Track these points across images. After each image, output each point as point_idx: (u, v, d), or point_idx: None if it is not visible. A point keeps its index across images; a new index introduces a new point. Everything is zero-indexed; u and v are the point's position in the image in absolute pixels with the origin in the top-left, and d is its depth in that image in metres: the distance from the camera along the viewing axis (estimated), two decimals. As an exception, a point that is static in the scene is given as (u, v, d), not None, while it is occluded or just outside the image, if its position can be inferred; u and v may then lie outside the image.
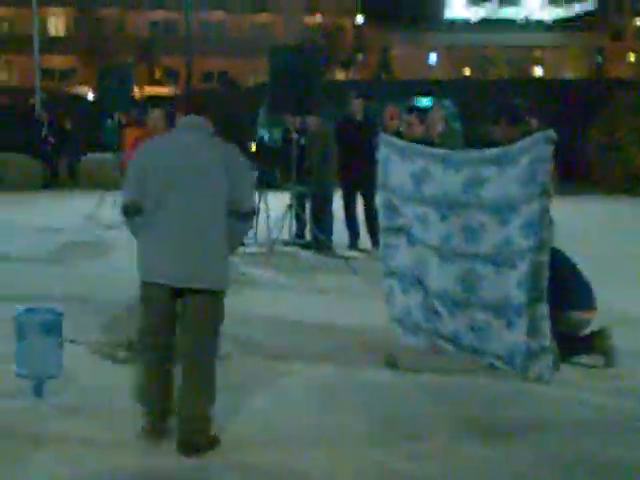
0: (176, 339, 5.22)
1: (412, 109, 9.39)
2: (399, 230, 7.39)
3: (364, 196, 12.19)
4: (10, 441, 5.18)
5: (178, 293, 5.12)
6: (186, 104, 5.40)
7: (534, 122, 7.34)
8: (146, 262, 5.22)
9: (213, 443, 5.09)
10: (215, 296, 5.16)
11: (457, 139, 12.13)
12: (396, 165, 7.37)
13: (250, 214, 5.33)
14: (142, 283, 5.26)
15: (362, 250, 12.11)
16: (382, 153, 7.57)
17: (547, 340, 6.29)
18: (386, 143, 7.60)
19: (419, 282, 7.19)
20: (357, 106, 12.48)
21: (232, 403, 5.79)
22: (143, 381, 5.30)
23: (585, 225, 14.49)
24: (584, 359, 6.80)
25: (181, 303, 5.15)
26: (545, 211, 6.29)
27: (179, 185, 5.03)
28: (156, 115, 10.20)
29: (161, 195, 5.04)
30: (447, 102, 23.87)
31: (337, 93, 19.17)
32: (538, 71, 71.60)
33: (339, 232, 12.43)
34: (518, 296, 6.33)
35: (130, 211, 5.18)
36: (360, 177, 11.77)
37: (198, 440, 5.01)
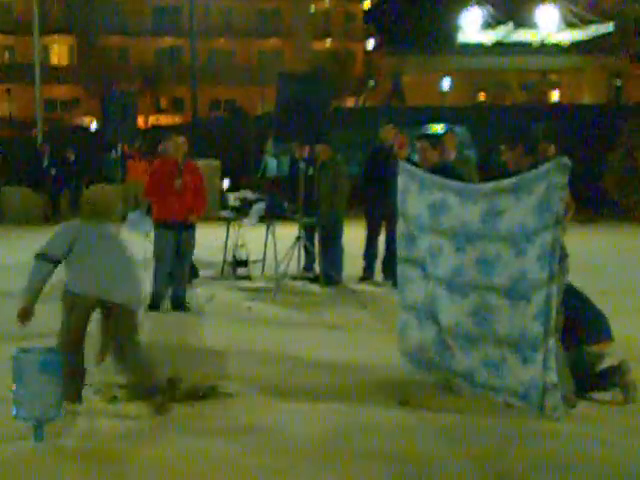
0: None
1: (421, 136, 9.41)
2: (416, 262, 7.40)
3: (389, 227, 11.97)
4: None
5: None
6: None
7: (551, 149, 7.35)
8: None
9: None
10: None
11: (471, 167, 12.14)
12: (414, 195, 7.41)
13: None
14: None
15: (375, 283, 12.10)
16: (402, 182, 7.61)
17: (556, 376, 6.27)
18: (406, 172, 7.64)
19: (432, 317, 7.18)
20: (388, 132, 12.45)
21: (244, 442, 5.80)
22: None
23: (602, 254, 14.47)
24: (602, 395, 6.77)
25: None
26: (557, 242, 6.30)
27: None
28: (179, 141, 10.39)
29: None
30: (459, 129, 24.01)
31: (346, 120, 19.30)
32: (555, 95, 71.69)
33: (348, 265, 12.44)
34: (534, 330, 6.32)
35: None
36: (388, 207, 11.68)
37: None
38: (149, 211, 11.75)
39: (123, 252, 6.74)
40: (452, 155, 11.37)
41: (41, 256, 6.54)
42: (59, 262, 6.56)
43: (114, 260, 6.62)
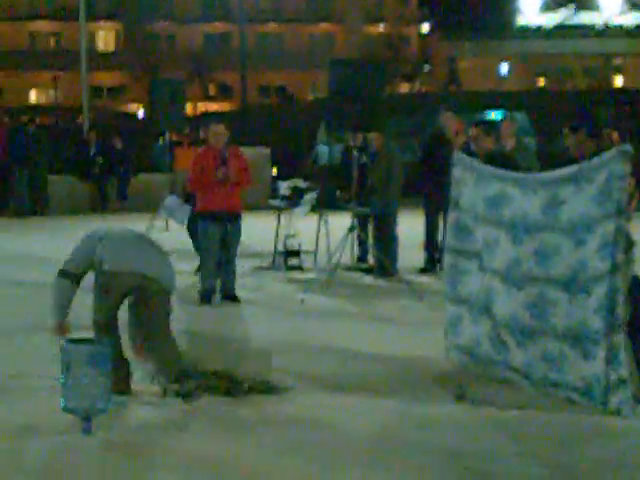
0: None
1: (477, 123, 9.37)
2: (472, 254, 7.37)
3: (446, 217, 12.04)
4: None
5: None
6: None
7: (615, 135, 7.28)
8: None
9: None
10: None
11: (530, 155, 12.04)
12: (470, 187, 7.40)
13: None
14: None
15: (436, 275, 12.06)
16: (457, 173, 7.61)
17: (626, 371, 6.21)
18: (462, 163, 7.63)
19: (487, 311, 7.15)
20: (448, 120, 12.41)
21: (295, 438, 5.83)
22: None
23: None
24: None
25: None
26: (621, 231, 6.24)
27: None
28: (218, 129, 10.40)
29: None
30: (519, 115, 23.82)
31: (400, 107, 19.22)
32: (618, 80, 70.94)
33: (403, 256, 12.42)
34: (595, 323, 6.27)
35: None
36: (446, 196, 11.67)
37: None
38: (188, 200, 11.80)
39: (152, 241, 7.12)
40: (511, 143, 11.28)
41: (62, 273, 6.69)
42: (80, 278, 6.74)
43: (147, 245, 6.94)
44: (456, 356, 7.62)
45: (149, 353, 6.81)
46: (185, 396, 6.57)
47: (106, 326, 6.68)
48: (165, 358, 6.78)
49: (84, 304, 9.82)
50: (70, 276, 6.66)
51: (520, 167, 8.65)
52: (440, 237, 12.25)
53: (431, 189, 12.27)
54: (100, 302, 6.75)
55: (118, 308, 6.79)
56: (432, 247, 12.52)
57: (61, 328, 6.61)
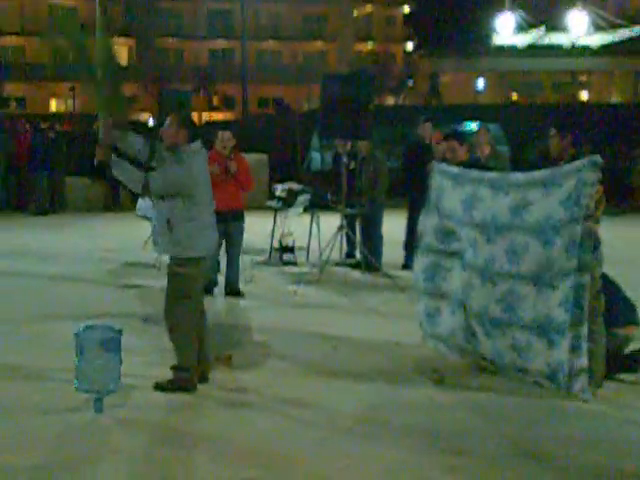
0: None
1: (451, 135, 9.34)
2: (454, 254, 7.36)
3: None
4: (69, 454, 5.24)
5: None
6: None
7: (587, 148, 7.30)
8: None
9: None
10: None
11: (503, 162, 12.04)
12: (449, 192, 7.40)
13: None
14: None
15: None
16: (435, 180, 7.61)
17: (586, 359, 6.23)
18: (440, 171, 7.63)
19: (464, 305, 7.16)
20: (426, 129, 12.42)
21: (288, 417, 5.83)
22: None
23: (628, 247, 14.32)
24: (629, 376, 6.72)
25: None
26: (588, 234, 6.25)
27: None
28: (225, 135, 10.37)
29: None
30: (494, 127, 23.79)
31: (386, 117, 19.18)
32: (584, 95, 71.06)
33: (387, 252, 12.43)
34: (560, 316, 6.28)
35: None
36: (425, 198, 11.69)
37: None
38: None
39: None
40: (487, 151, 11.27)
41: None
42: None
43: None
44: (433, 344, 7.63)
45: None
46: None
47: (198, 311, 6.75)
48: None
49: (95, 295, 9.84)
50: None
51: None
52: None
53: (412, 193, 12.26)
54: (191, 287, 6.71)
55: None
56: (411, 245, 12.49)
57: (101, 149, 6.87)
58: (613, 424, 5.84)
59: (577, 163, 6.41)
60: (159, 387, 6.43)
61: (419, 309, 7.78)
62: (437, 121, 13.33)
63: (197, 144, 6.57)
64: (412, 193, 12.26)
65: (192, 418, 5.94)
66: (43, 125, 23.10)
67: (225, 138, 10.37)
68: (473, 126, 23.58)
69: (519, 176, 6.88)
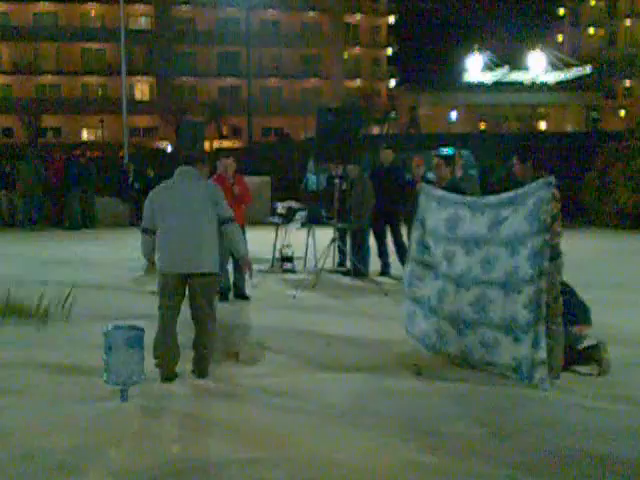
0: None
1: (439, 156, 9.40)
2: (428, 266, 7.38)
3: (393, 230, 12.23)
4: (99, 438, 5.24)
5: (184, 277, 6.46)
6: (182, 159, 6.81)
7: (543, 172, 7.32)
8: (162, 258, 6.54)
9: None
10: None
11: (473, 183, 12.12)
12: (432, 211, 7.41)
13: (229, 219, 6.58)
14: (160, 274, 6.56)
15: (393, 277, 12.07)
16: (422, 200, 7.62)
17: (545, 354, 6.24)
18: (426, 193, 7.64)
19: (438, 310, 7.15)
20: (386, 155, 12.54)
21: (286, 405, 5.82)
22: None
23: (582, 256, 14.34)
24: (582, 369, 6.73)
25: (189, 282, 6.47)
26: (546, 244, 6.27)
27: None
28: (227, 162, 10.41)
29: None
30: (465, 152, 23.81)
31: (372, 145, 19.18)
32: (543, 125, 71.25)
33: (373, 262, 12.44)
34: (524, 316, 6.30)
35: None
36: (389, 214, 11.81)
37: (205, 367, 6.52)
38: None
39: None
40: (459, 173, 11.31)
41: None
42: None
43: None
44: (413, 342, 7.64)
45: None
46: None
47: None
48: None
49: (121, 299, 9.84)
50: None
51: (466, 192, 8.68)
52: (391, 245, 12.32)
53: (376, 210, 12.31)
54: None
55: None
56: (383, 253, 12.52)
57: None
58: (568, 409, 5.85)
59: (535, 184, 6.44)
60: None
61: (404, 310, 7.79)
62: (416, 147, 13.38)
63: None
64: (376, 211, 12.29)
65: (205, 406, 5.94)
66: (76, 152, 23.20)
67: (227, 164, 10.41)
68: (446, 151, 23.63)
69: (491, 198, 6.91)
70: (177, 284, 6.48)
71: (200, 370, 6.55)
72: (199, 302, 6.50)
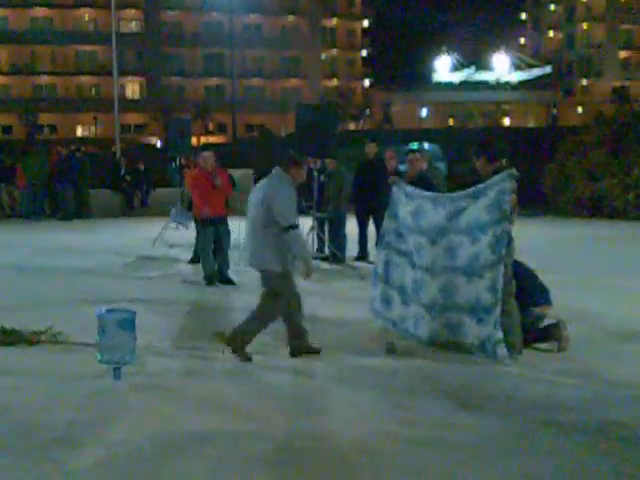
0: None
1: (413, 150, 9.37)
2: (404, 253, 7.33)
3: (375, 220, 12.14)
4: (94, 413, 5.22)
5: None
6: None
7: (504, 161, 7.31)
8: None
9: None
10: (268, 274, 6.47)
11: (439, 176, 12.13)
12: (403, 204, 7.40)
13: (288, 228, 6.30)
14: None
15: (369, 262, 12.08)
16: (395, 193, 7.59)
17: (501, 332, 6.28)
18: (399, 186, 7.61)
19: (416, 298, 7.11)
20: (370, 149, 12.46)
21: (272, 381, 5.83)
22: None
23: (542, 242, 14.43)
24: (543, 345, 6.77)
25: None
26: (506, 232, 6.30)
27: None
28: (206, 155, 10.36)
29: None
30: (434, 146, 23.85)
31: (348, 140, 19.15)
32: (507, 121, 71.51)
33: (350, 248, 12.44)
34: (487, 299, 6.33)
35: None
36: (373, 205, 11.74)
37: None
38: (190, 208, 11.71)
39: None
40: (425, 166, 11.29)
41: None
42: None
43: None
44: (382, 323, 7.60)
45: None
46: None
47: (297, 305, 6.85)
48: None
49: (113, 283, 9.78)
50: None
51: (433, 184, 8.71)
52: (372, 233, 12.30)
53: (360, 199, 12.31)
54: (290, 290, 6.82)
55: None
56: (363, 241, 12.52)
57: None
58: (530, 383, 5.88)
59: (498, 176, 6.44)
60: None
61: (375, 293, 7.74)
62: (389, 142, 13.38)
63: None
64: (359, 200, 12.29)
65: (194, 384, 5.91)
66: (71, 147, 23.11)
67: (205, 157, 10.33)
68: (422, 146, 23.67)
69: (453, 194, 6.90)
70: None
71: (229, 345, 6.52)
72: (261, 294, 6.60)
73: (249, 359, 6.39)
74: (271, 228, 6.33)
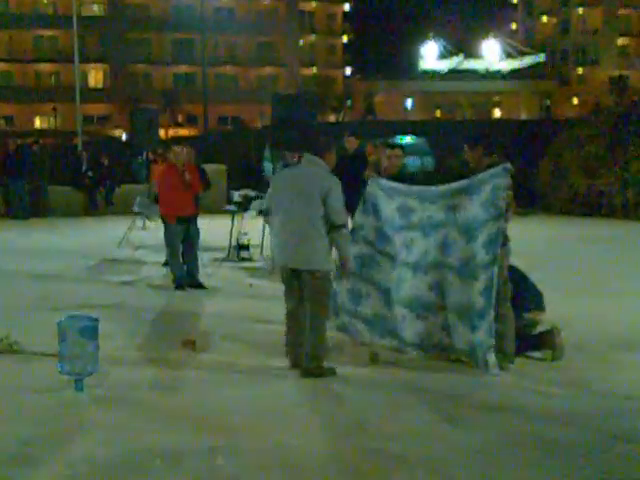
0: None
1: (393, 145, 9.31)
2: (388, 255, 7.29)
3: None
4: (53, 427, 5.18)
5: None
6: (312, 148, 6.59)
7: (496, 156, 7.33)
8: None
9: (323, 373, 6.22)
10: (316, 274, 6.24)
11: (419, 171, 12.15)
12: (384, 201, 7.34)
13: (339, 226, 6.28)
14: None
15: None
16: (371, 187, 7.53)
17: (493, 339, 6.30)
18: (376, 183, 7.56)
19: (394, 298, 7.09)
20: (349, 142, 12.48)
21: (245, 389, 5.82)
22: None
23: (536, 242, 14.51)
24: (536, 354, 6.80)
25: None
26: (501, 231, 6.32)
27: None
28: (178, 150, 10.32)
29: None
30: (421, 139, 23.92)
31: (328, 132, 19.14)
32: (497, 113, 71.83)
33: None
34: (481, 303, 6.33)
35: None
36: (353, 203, 11.70)
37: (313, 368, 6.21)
38: (156, 200, 11.65)
39: None
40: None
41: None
42: None
43: None
44: (347, 319, 7.43)
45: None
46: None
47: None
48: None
49: (75, 288, 9.72)
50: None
51: (418, 179, 8.69)
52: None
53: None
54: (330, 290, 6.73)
55: None
56: None
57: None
58: (521, 393, 5.92)
59: (491, 171, 6.46)
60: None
61: (340, 288, 7.44)
62: (372, 135, 13.38)
63: None
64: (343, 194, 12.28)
65: (161, 395, 5.89)
66: (29, 140, 22.88)
67: (177, 152, 10.28)
68: (408, 139, 23.70)
69: (440, 188, 6.88)
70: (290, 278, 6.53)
71: (304, 369, 6.31)
72: (306, 298, 6.38)
73: (333, 372, 6.31)
74: (324, 224, 6.24)
